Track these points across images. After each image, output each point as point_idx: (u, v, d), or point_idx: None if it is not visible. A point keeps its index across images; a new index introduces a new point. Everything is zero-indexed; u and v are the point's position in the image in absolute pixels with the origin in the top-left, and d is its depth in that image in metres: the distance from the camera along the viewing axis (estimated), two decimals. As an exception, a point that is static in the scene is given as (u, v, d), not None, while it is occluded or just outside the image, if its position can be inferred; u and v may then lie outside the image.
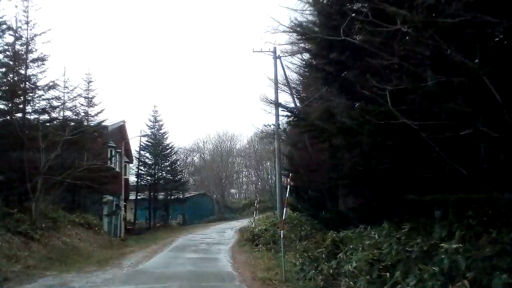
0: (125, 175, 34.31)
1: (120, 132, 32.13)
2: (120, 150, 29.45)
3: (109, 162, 27.36)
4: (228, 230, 33.85)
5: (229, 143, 66.25)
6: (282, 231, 12.19)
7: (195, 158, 68.43)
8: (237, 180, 71.32)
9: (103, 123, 24.85)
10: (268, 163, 65.10)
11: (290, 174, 12.29)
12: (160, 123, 43.24)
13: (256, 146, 66.61)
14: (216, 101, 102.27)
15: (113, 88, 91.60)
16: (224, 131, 66.19)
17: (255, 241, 21.29)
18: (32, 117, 19.09)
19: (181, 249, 21.04)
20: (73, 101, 22.52)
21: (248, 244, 21.38)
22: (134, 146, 42.32)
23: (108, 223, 27.83)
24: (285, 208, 12.67)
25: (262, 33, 41.89)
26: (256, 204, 33.29)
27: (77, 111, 23.50)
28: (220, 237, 28.09)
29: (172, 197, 44.20)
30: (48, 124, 19.06)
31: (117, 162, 30.20)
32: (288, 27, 10.38)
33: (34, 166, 16.26)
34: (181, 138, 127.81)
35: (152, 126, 42.89)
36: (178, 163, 50.69)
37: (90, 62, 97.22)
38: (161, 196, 42.78)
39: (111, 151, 28.56)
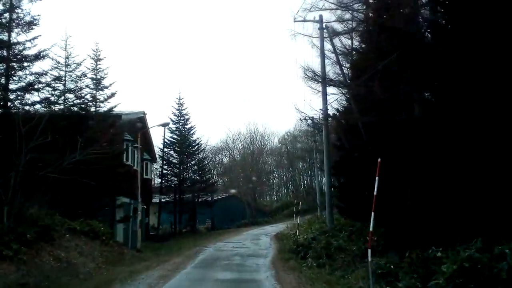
0: (146, 174, 30.22)
1: (139, 125, 27.78)
2: (137, 145, 25.07)
3: (124, 157, 23.26)
4: (263, 237, 30.34)
5: (260, 142, 61.84)
6: (369, 249, 7.56)
7: (224, 158, 64.26)
8: (268, 182, 66.73)
9: (114, 110, 20.63)
10: (301, 164, 60.56)
11: (379, 160, 7.61)
12: (186, 117, 39.45)
13: (289, 146, 62.01)
14: (245, 97, 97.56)
15: (133, 82, 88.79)
16: (255, 129, 61.39)
17: (300, 253, 17.20)
18: (13, 96, 14.69)
19: (209, 264, 16.90)
20: (76, 81, 18.25)
21: (293, 258, 17.15)
22: (157, 143, 38.52)
23: (124, 231, 23.69)
24: (372, 214, 7.94)
25: (299, 13, 36.71)
26: (297, 208, 28.85)
27: (81, 94, 19.20)
28: (256, 246, 24.24)
29: (200, 200, 40.32)
30: (39, 105, 14.87)
31: (135, 159, 25.94)
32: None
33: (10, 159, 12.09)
34: (209, 135, 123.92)
35: (176, 121, 38.98)
36: (206, 162, 46.57)
37: (107, 51, 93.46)
38: (187, 198, 38.76)
39: (127, 145, 24.38)
